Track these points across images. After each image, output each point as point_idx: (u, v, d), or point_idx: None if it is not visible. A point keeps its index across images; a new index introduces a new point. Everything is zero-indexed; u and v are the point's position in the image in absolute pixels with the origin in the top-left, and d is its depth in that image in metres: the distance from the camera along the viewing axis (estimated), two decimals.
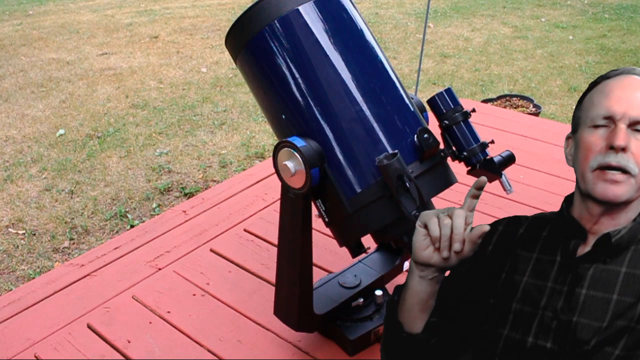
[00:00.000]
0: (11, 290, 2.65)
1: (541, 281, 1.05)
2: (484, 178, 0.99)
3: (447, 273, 1.15)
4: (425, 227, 1.01)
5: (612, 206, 1.01)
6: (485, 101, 4.57)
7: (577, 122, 1.10)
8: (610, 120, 1.01)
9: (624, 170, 0.97)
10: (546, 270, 1.06)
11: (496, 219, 1.23)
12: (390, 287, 1.81)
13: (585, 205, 1.05)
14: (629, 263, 1.00)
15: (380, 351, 1.21)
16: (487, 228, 0.97)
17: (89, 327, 1.83)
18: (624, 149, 0.97)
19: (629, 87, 1.02)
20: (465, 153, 1.32)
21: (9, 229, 3.38)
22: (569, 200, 1.13)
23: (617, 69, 1.08)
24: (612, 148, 0.98)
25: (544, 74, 5.66)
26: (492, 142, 1.36)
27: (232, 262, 2.12)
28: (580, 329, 0.98)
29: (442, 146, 1.35)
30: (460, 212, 0.99)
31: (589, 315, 0.98)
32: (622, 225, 1.03)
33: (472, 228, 0.99)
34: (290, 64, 1.34)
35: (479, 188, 0.99)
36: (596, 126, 1.02)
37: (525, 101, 4.56)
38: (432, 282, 1.05)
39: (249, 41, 1.37)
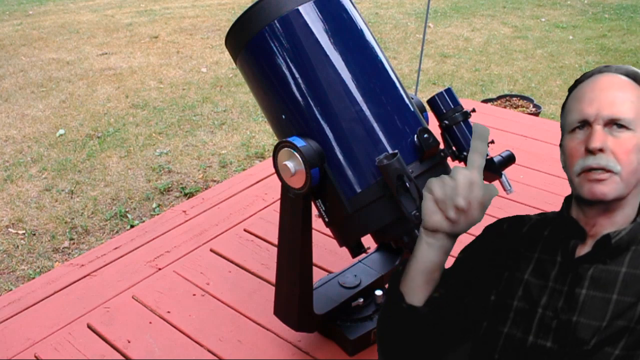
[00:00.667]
0: (11, 290, 2.65)
1: (542, 281, 1.06)
2: (482, 127, 1.04)
3: (451, 268, 1.15)
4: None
5: (605, 206, 1.02)
6: (485, 101, 4.57)
7: (562, 129, 1.12)
8: (586, 123, 1.02)
9: (606, 170, 0.98)
10: (547, 270, 1.06)
11: (496, 219, 1.23)
12: None
13: (580, 209, 1.06)
14: (629, 263, 1.00)
15: (376, 326, 1.20)
16: (496, 192, 1.00)
17: (89, 327, 1.83)
18: (601, 150, 0.98)
19: (598, 88, 1.04)
20: (465, 153, 1.32)
21: (9, 229, 3.38)
22: (568, 200, 1.14)
23: (590, 71, 1.09)
24: (590, 151, 0.99)
25: (544, 74, 5.66)
26: (492, 142, 1.36)
27: (232, 262, 2.12)
28: (580, 329, 0.98)
29: (442, 146, 1.35)
30: (462, 170, 1.00)
31: (589, 315, 0.98)
32: (620, 223, 1.03)
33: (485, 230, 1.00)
34: (290, 64, 1.34)
35: (482, 139, 1.04)
36: (575, 131, 1.04)
37: (525, 101, 4.56)
38: (440, 250, 1.05)
39: (249, 41, 1.37)
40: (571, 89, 1.11)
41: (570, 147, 1.04)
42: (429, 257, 1.05)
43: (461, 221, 1.01)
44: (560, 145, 1.14)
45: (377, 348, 1.19)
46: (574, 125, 1.04)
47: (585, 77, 1.09)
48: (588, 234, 1.05)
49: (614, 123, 1.00)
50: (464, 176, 1.00)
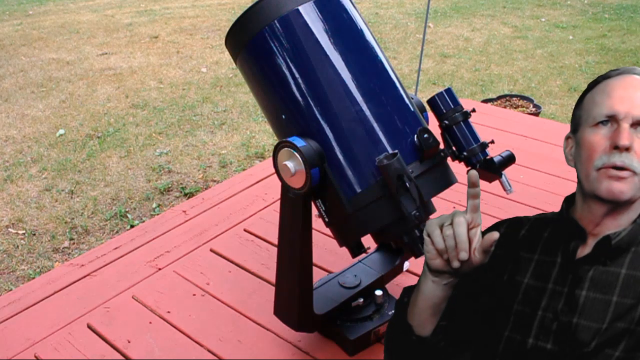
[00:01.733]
0: (11, 290, 2.65)
1: (542, 282, 1.05)
2: (473, 172, 0.97)
3: None
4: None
5: (616, 205, 1.01)
6: (485, 101, 4.57)
7: (577, 122, 1.10)
8: (613, 119, 1.01)
9: (629, 169, 0.97)
10: (547, 271, 1.06)
11: (496, 219, 1.23)
12: (390, 287, 1.81)
13: (587, 206, 1.05)
14: (629, 265, 1.00)
15: (384, 352, 1.20)
16: (497, 236, 0.95)
17: (89, 327, 1.83)
18: (627, 149, 0.97)
19: (631, 87, 1.02)
20: (465, 153, 1.32)
21: (9, 229, 3.38)
22: (569, 200, 1.13)
23: (618, 69, 1.08)
24: (616, 148, 0.98)
25: (544, 74, 5.66)
26: (492, 142, 1.36)
27: (232, 262, 2.12)
28: (581, 331, 0.98)
29: (442, 146, 1.35)
30: (461, 219, 0.96)
31: (589, 316, 0.98)
32: (623, 225, 1.03)
33: (483, 233, 0.97)
34: (290, 64, 1.34)
35: (474, 184, 0.97)
36: (598, 125, 1.02)
37: (525, 101, 4.56)
38: (446, 287, 1.04)
39: (249, 41, 1.37)
40: (594, 83, 1.09)
41: (592, 140, 1.02)
42: (435, 293, 1.04)
43: (464, 266, 0.98)
44: (568, 138, 1.13)
45: None
46: (600, 119, 1.02)
47: (613, 74, 1.07)
48: (590, 233, 1.05)
49: (639, 125, 0.99)
50: (463, 227, 0.95)
